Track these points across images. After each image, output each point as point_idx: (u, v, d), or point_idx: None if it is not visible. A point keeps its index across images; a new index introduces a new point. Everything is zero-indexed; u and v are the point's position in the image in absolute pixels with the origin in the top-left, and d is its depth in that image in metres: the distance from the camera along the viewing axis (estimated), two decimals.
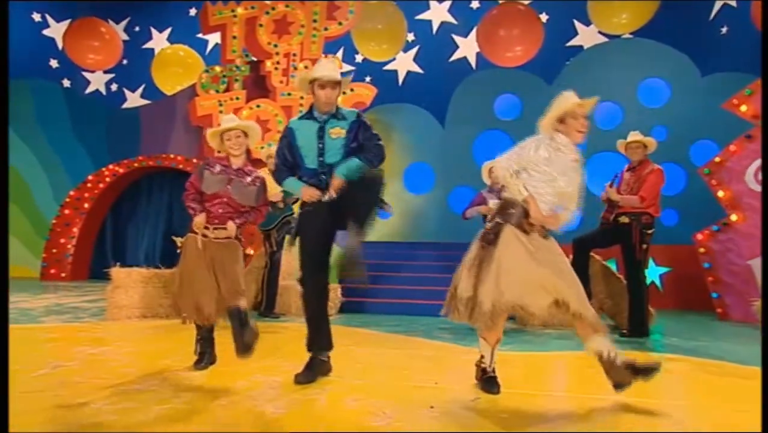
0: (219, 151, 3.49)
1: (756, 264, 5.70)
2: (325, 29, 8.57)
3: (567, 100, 2.84)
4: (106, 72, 11.53)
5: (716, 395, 3.00)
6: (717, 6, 9.11)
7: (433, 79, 10.31)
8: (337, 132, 3.01)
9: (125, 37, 11.67)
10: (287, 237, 5.59)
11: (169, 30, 12.02)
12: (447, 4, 11.17)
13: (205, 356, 3.29)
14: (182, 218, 9.82)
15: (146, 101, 11.12)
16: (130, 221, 10.18)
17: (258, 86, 8.79)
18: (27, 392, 2.67)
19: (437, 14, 11.16)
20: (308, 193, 2.99)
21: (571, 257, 5.26)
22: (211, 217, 3.26)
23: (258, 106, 8.60)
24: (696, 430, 2.35)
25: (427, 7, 11.14)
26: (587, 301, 2.66)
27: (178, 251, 3.45)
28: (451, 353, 3.99)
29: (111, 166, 9.66)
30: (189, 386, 2.90)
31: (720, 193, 6.07)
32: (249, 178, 3.33)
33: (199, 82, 8.95)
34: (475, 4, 11.00)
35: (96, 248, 10.22)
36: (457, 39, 10.84)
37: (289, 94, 8.58)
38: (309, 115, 3.09)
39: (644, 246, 4.69)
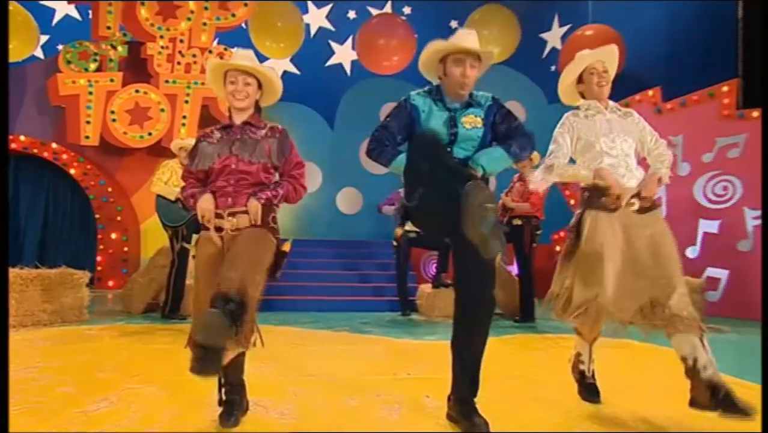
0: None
1: None
2: (218, 19, 7.91)
3: (578, 58, 2.53)
4: None
5: (624, 366, 3.55)
6: (548, 47, 10.60)
7: (310, 82, 10.18)
8: (472, 121, 2.24)
9: None
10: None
11: None
12: (325, 11, 11.13)
13: (234, 405, 2.19)
14: (30, 209, 8.19)
15: None
16: None
17: (136, 70, 7.75)
18: None
19: (315, 19, 11.04)
20: None
21: None
22: (221, 198, 2.18)
23: (137, 91, 7.59)
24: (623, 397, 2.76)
25: (306, 10, 10.97)
26: (685, 294, 2.20)
27: (192, 256, 2.72)
28: (394, 345, 4.05)
29: None
30: (162, 399, 2.49)
31: (572, 201, 7.13)
32: (262, 131, 2.26)
33: (63, 56, 7.55)
34: (351, 14, 11.15)
35: None
36: (334, 45, 10.88)
37: (174, 82, 7.73)
38: (437, 96, 2.29)
39: (533, 244, 5.31)
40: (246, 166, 2.20)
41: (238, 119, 2.29)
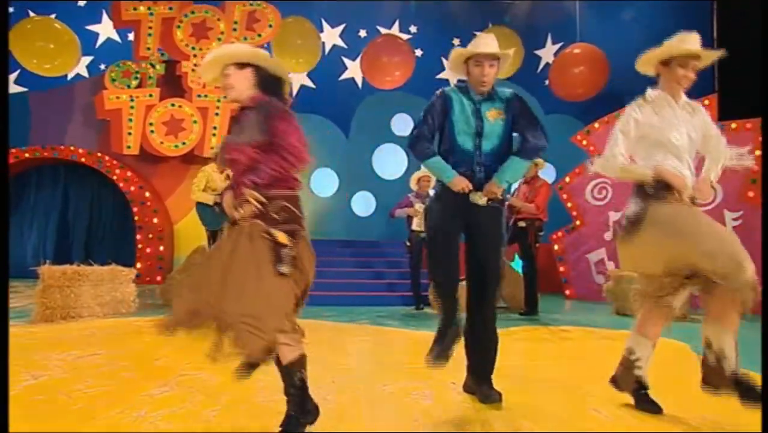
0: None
1: (592, 257, 6.85)
2: (245, 39, 7.97)
3: (681, 41, 2.19)
4: None
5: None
6: (542, 63, 10.61)
7: (325, 94, 10.22)
8: (495, 114, 2.35)
9: None
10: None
11: (52, 17, 9.96)
12: (339, 30, 11.18)
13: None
14: (77, 211, 8.29)
15: (22, 88, 9.08)
16: (13, 214, 8.26)
17: (172, 86, 7.82)
18: (31, 410, 2.11)
19: (330, 37, 11.09)
20: (460, 186, 2.27)
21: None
22: (236, 191, 1.85)
23: (172, 105, 7.65)
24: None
25: (322, 30, 11.02)
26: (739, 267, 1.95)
27: None
28: (413, 336, 4.03)
29: None
30: (216, 384, 2.50)
31: (569, 205, 7.15)
32: (253, 112, 1.87)
33: (108, 75, 7.63)
34: (362, 33, 11.19)
35: None
36: (347, 61, 10.92)
37: (205, 96, 7.79)
38: (465, 91, 2.41)
39: (537, 244, 5.33)
40: (236, 151, 1.83)
41: (236, 99, 1.95)
